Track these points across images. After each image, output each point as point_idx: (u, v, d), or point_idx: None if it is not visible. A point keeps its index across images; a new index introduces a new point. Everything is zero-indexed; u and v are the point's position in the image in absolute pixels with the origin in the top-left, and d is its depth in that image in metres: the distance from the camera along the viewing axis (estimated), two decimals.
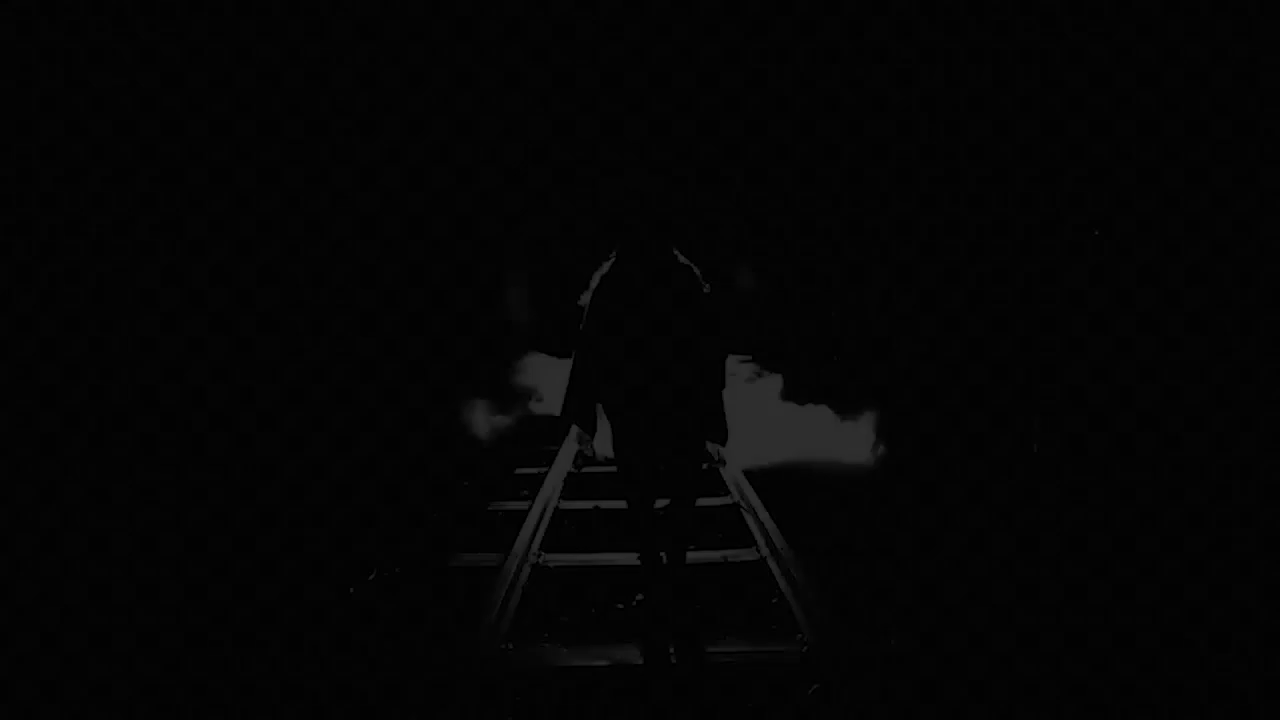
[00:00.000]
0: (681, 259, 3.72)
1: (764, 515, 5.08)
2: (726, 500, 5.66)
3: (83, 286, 3.13)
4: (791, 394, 9.94)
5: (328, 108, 5.36)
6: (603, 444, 3.90)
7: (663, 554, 3.95)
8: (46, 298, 2.98)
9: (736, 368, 11.59)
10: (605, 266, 3.76)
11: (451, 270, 9.38)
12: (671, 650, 3.44)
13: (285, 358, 5.08)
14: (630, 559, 4.46)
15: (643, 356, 3.57)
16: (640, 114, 9.25)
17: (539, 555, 4.60)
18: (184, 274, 3.82)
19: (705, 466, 3.82)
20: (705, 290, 3.68)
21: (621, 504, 5.62)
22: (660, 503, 3.91)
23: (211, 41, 4.06)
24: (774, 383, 10.57)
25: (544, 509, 5.57)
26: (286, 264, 4.96)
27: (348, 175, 6.02)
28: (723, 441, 3.76)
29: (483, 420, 9.45)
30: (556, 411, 3.58)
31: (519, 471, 7.31)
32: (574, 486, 6.76)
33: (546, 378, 11.88)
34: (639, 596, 4.13)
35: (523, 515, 5.49)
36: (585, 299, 3.73)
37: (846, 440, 6.78)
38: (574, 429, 3.81)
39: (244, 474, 4.39)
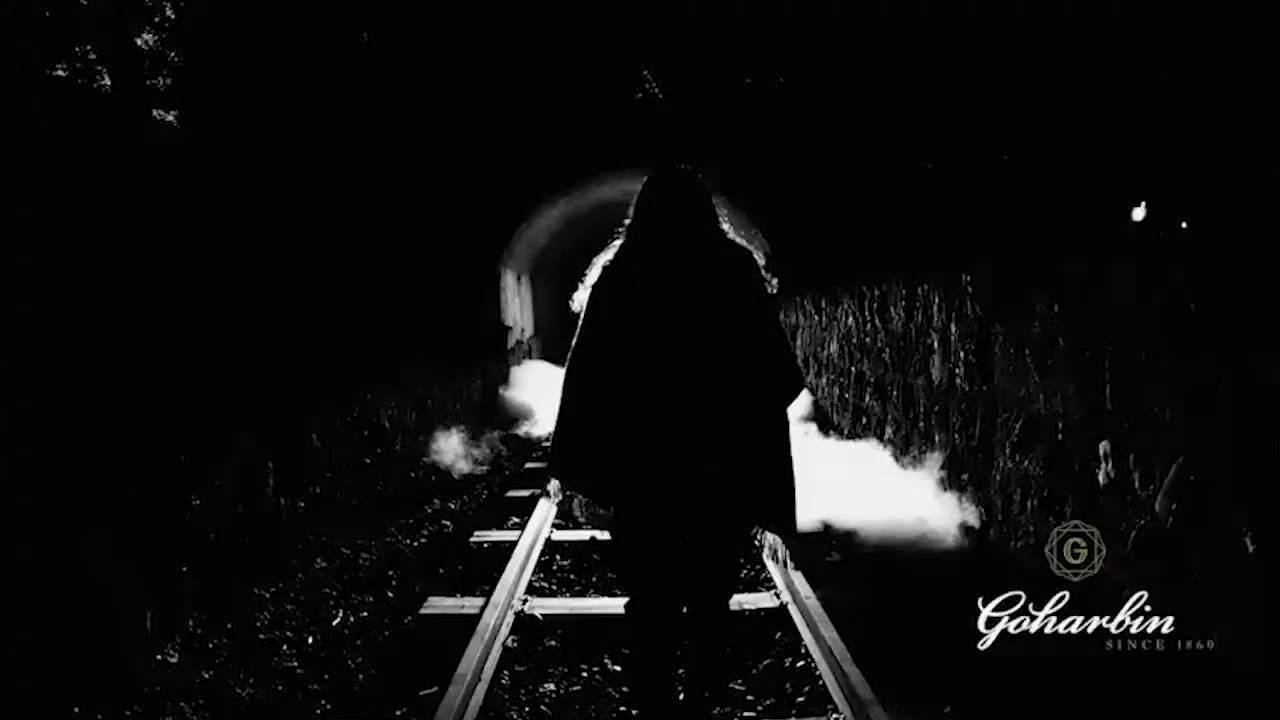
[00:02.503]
0: (735, 238, 2.49)
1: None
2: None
3: None
4: (818, 418, 9.20)
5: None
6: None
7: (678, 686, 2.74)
8: None
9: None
10: (613, 248, 2.53)
11: (440, 271, 8.81)
12: None
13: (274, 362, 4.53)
14: None
15: (667, 387, 2.35)
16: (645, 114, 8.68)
17: (524, 601, 3.99)
18: None
19: (744, 560, 2.67)
20: (770, 289, 2.47)
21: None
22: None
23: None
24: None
25: (533, 541, 4.96)
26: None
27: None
28: (788, 531, 2.46)
29: (468, 439, 8.85)
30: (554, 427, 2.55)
31: (510, 495, 6.69)
32: (568, 514, 6.15)
33: (548, 389, 11.26)
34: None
35: (509, 549, 4.87)
36: (581, 298, 2.53)
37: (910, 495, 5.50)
38: (555, 484, 2.57)
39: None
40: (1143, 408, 3.33)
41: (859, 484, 5.76)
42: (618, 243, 2.54)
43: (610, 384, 2.39)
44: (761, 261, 2.46)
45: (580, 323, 2.48)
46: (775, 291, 2.49)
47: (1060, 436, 4.02)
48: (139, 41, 3.52)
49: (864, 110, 6.71)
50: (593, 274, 2.51)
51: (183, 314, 3.85)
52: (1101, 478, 3.65)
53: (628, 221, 2.53)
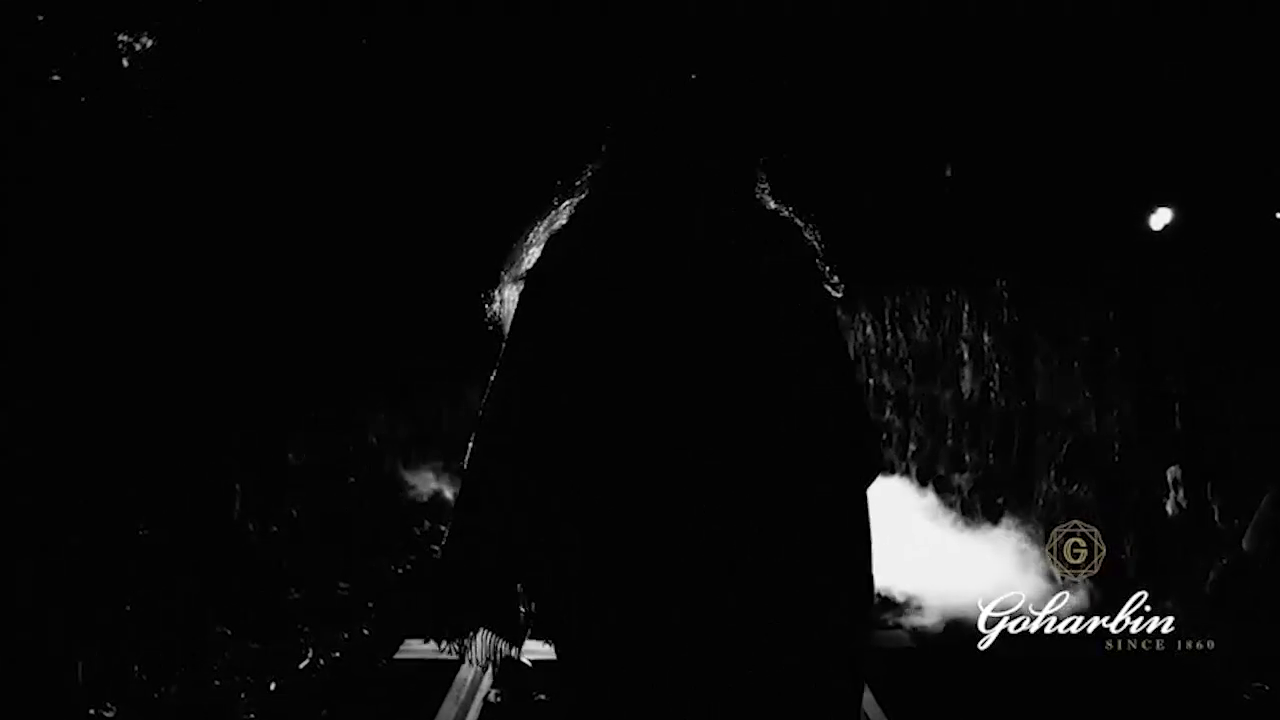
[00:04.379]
0: (774, 206, 1.40)
1: None
2: None
3: None
4: None
5: None
6: None
7: None
8: None
9: None
10: (560, 217, 1.43)
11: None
12: None
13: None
14: None
15: (668, 471, 1.19)
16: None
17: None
18: None
19: None
20: (833, 291, 1.36)
21: None
22: None
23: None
24: None
25: None
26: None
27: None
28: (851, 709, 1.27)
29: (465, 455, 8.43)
30: None
31: None
32: None
33: None
34: None
35: None
36: (507, 300, 1.47)
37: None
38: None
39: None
40: (1225, 428, 2.89)
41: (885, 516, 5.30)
42: (573, 201, 1.43)
43: (565, 464, 1.25)
44: (815, 243, 1.38)
45: (503, 351, 1.37)
46: (840, 295, 1.37)
47: (1117, 459, 3.58)
48: (136, 45, 3.40)
49: (877, 110, 6.36)
50: (526, 257, 1.41)
51: (134, 306, 3.47)
52: (1170, 508, 3.20)
53: (595, 168, 1.43)
